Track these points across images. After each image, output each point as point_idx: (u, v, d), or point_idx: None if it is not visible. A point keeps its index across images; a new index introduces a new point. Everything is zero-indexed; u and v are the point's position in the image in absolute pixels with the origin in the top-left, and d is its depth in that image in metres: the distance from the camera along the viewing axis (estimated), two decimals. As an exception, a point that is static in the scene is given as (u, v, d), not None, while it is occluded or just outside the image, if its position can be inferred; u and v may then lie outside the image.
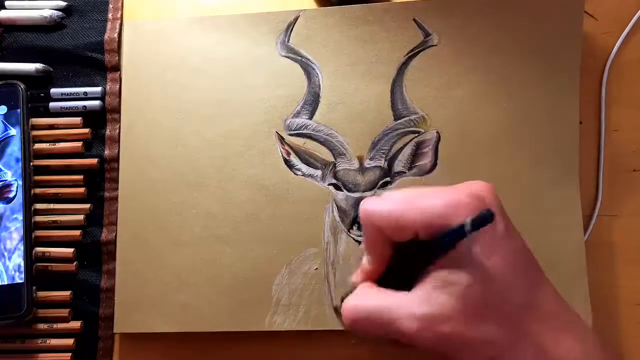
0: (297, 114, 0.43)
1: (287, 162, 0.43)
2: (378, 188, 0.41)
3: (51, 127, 0.45)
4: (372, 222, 0.31)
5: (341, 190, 0.42)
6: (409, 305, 0.30)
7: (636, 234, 0.42)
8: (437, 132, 0.42)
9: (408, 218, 0.30)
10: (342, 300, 0.33)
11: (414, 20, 0.43)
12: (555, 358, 0.30)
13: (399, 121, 0.42)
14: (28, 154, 0.44)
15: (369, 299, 0.32)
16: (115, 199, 0.44)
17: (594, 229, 0.42)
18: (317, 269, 0.41)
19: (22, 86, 0.45)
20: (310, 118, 0.43)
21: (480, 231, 0.28)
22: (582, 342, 0.31)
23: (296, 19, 0.44)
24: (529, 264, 0.32)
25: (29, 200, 0.43)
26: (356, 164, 0.42)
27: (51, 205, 0.44)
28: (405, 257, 0.32)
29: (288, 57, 0.44)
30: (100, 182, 0.45)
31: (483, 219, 0.27)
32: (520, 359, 0.31)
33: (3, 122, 0.44)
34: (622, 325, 0.41)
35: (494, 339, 0.30)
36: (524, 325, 0.31)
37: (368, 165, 0.42)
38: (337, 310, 0.38)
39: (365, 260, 0.33)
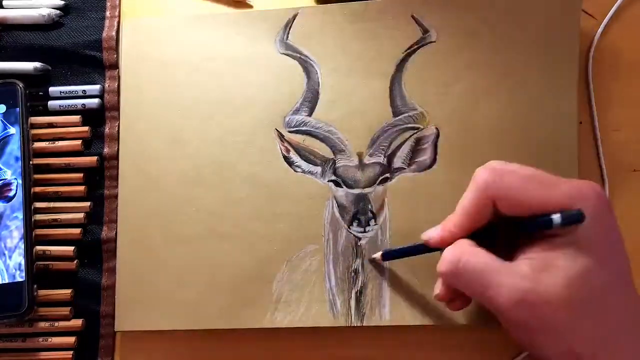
0: (296, 111, 0.43)
1: (287, 159, 0.43)
2: (378, 184, 0.42)
3: (50, 125, 0.45)
4: (489, 190, 0.32)
5: (341, 187, 0.42)
6: (513, 275, 0.30)
7: (636, 234, 0.42)
8: (437, 128, 0.42)
9: (530, 196, 0.31)
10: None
11: (413, 16, 0.43)
12: None
13: (398, 117, 0.42)
14: (27, 152, 0.44)
15: (478, 256, 0.32)
16: (115, 196, 0.44)
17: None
18: (317, 262, 0.41)
19: (21, 85, 0.45)
20: (310, 115, 0.43)
21: (603, 227, 0.30)
22: None
23: (295, 17, 0.44)
24: (631, 278, 0.32)
25: (29, 198, 0.43)
26: (356, 161, 0.42)
27: (51, 204, 0.44)
28: (494, 231, 0.33)
29: (287, 55, 0.44)
30: (100, 180, 0.45)
31: (575, 217, 0.29)
32: None
33: (2, 121, 0.44)
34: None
35: (585, 334, 0.30)
36: (616, 332, 0.30)
37: (367, 162, 0.42)
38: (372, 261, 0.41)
39: (451, 222, 0.33)
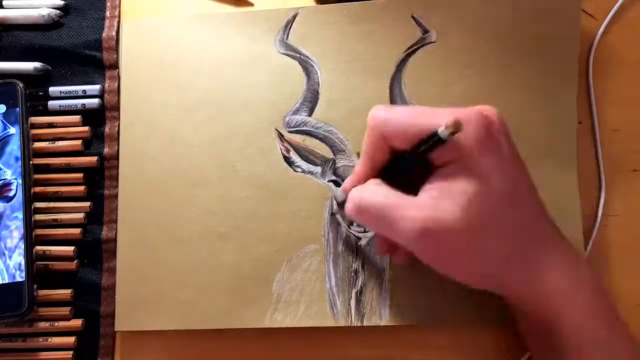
0: (296, 111, 0.43)
1: (287, 159, 0.43)
2: (378, 184, 0.42)
3: (50, 125, 0.45)
4: (378, 127, 0.33)
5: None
6: (414, 207, 0.31)
7: (636, 234, 0.42)
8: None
9: (416, 125, 0.31)
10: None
11: (413, 17, 0.43)
12: (545, 283, 0.32)
13: (398, 117, 0.42)
14: (27, 152, 0.44)
15: (376, 193, 0.33)
16: (115, 196, 0.44)
17: (594, 228, 0.42)
18: (317, 262, 0.41)
19: (21, 85, 0.45)
20: (310, 115, 0.43)
21: (487, 147, 0.30)
22: (574, 271, 0.32)
23: (295, 17, 0.44)
24: (532, 194, 0.33)
25: (29, 198, 0.43)
26: (356, 160, 0.42)
27: (51, 204, 0.44)
28: (399, 166, 0.34)
29: (287, 55, 0.44)
30: (100, 180, 0.45)
31: (456, 126, 0.29)
32: (514, 278, 0.32)
33: (2, 121, 0.44)
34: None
35: (491, 254, 0.31)
36: (521, 248, 0.31)
37: (367, 162, 0.42)
38: (342, 205, 0.41)
39: (358, 166, 0.35)
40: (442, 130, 0.29)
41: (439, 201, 0.31)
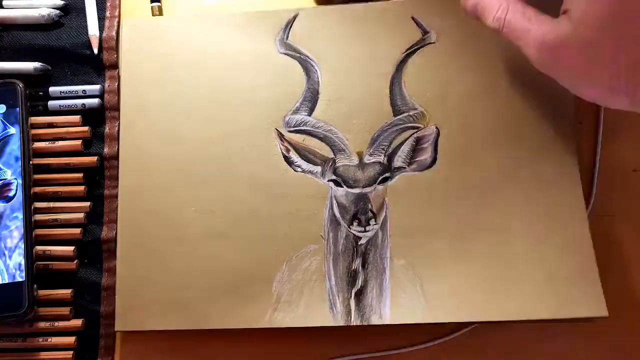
0: (296, 111, 0.43)
1: (287, 159, 0.43)
2: (378, 184, 0.42)
3: (50, 125, 0.45)
4: None
5: (341, 187, 0.42)
6: (539, 23, 0.33)
7: (636, 234, 0.42)
8: (437, 127, 0.42)
9: None
10: None
11: (412, 18, 0.43)
12: None
13: (398, 117, 0.42)
14: (27, 152, 0.44)
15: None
16: (115, 196, 0.44)
17: (594, 228, 0.41)
18: (317, 261, 0.41)
19: (21, 85, 0.45)
20: (310, 114, 0.43)
21: None
22: None
23: (295, 17, 0.44)
24: None
25: (29, 198, 0.43)
26: (356, 160, 0.42)
27: (51, 204, 0.44)
28: None
29: (287, 55, 0.44)
30: (100, 180, 0.45)
31: None
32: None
33: (2, 121, 0.44)
34: (620, 325, 0.40)
35: (612, 64, 0.30)
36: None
37: (368, 161, 0.42)
38: None
39: None
40: None
41: (560, 17, 0.32)
